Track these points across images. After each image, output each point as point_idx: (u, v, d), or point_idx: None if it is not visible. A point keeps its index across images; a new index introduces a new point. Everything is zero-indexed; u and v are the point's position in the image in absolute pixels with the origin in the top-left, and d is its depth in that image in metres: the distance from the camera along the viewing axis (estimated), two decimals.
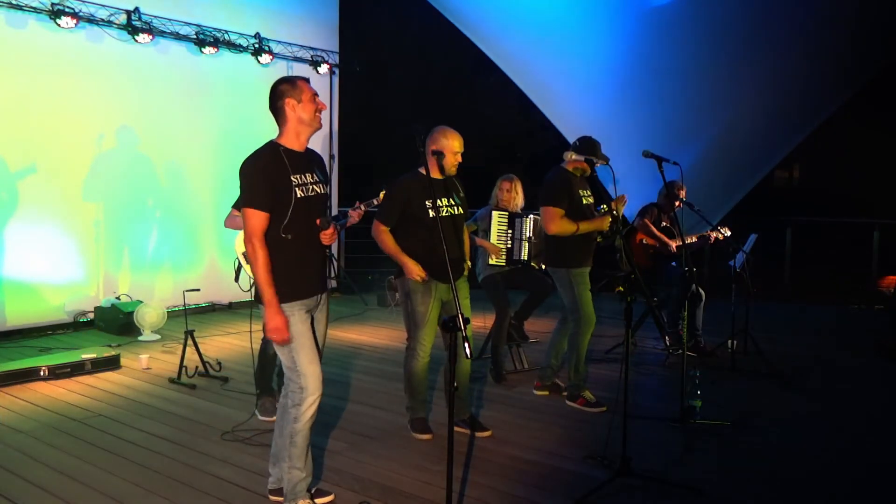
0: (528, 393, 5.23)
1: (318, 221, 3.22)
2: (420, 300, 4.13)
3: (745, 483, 3.72)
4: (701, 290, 6.27)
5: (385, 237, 4.13)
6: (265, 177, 3.09)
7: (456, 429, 4.09)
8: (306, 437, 3.21)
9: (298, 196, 3.12)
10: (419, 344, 4.17)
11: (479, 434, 4.30)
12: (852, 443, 4.37)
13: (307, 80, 3.24)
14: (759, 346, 6.31)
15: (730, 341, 6.08)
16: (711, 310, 6.55)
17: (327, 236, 3.25)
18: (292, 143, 3.19)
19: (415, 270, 4.07)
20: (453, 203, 4.17)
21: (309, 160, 3.26)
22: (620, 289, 3.68)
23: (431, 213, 4.00)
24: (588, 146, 4.74)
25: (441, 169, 4.08)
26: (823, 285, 10.77)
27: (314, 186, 3.21)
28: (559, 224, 4.69)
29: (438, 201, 4.08)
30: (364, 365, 6.05)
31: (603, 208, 4.81)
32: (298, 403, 3.15)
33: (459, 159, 4.12)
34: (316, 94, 3.22)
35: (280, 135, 3.22)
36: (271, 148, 3.18)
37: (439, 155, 4.04)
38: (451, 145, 4.07)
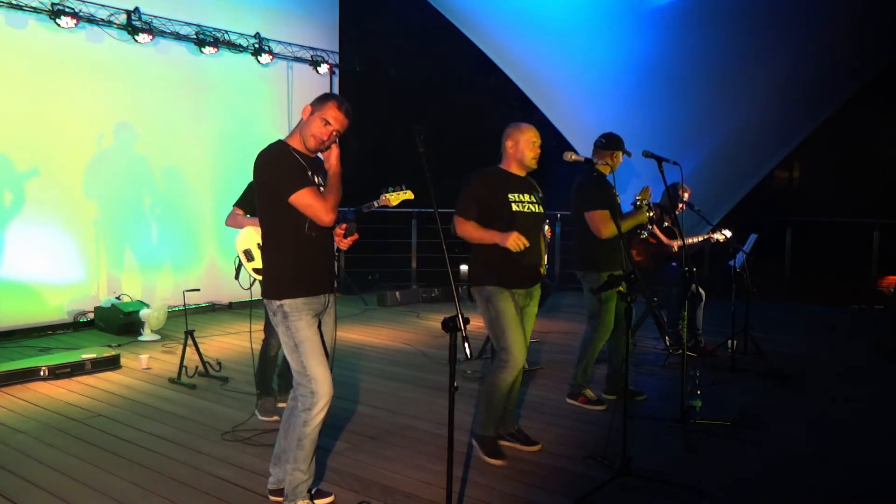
0: (527, 393, 5.23)
1: (343, 226, 3.24)
2: (503, 302, 3.84)
3: (745, 483, 3.72)
4: (701, 290, 6.27)
5: (466, 227, 3.83)
6: (292, 161, 3.09)
7: (504, 443, 4.02)
8: (314, 440, 3.20)
9: None
10: (510, 353, 3.80)
11: (528, 448, 4.07)
12: (852, 443, 4.36)
13: (341, 110, 3.13)
14: (759, 346, 6.31)
15: (730, 341, 6.08)
16: (711, 310, 6.55)
17: (347, 243, 3.28)
18: (299, 145, 3.19)
19: (512, 238, 3.69)
20: (534, 201, 3.95)
21: (317, 165, 3.26)
22: (621, 289, 3.67)
23: (515, 207, 3.84)
24: (614, 142, 4.78)
25: (521, 164, 3.91)
26: (823, 285, 10.77)
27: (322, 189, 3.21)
28: (609, 226, 4.57)
29: (520, 196, 3.87)
30: (364, 365, 6.05)
31: (637, 203, 4.83)
32: (309, 408, 3.14)
33: (538, 151, 3.92)
34: (330, 125, 3.11)
35: (290, 135, 3.22)
36: (282, 145, 3.19)
37: (516, 150, 3.88)
38: (528, 137, 3.88)
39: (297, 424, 3.17)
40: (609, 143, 4.79)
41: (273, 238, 3.17)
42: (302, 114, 3.18)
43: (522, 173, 3.96)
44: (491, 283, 3.86)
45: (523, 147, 3.87)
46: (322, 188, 3.17)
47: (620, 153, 4.78)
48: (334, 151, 3.21)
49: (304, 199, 3.04)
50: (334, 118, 3.13)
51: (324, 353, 3.21)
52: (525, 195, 3.90)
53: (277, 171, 3.09)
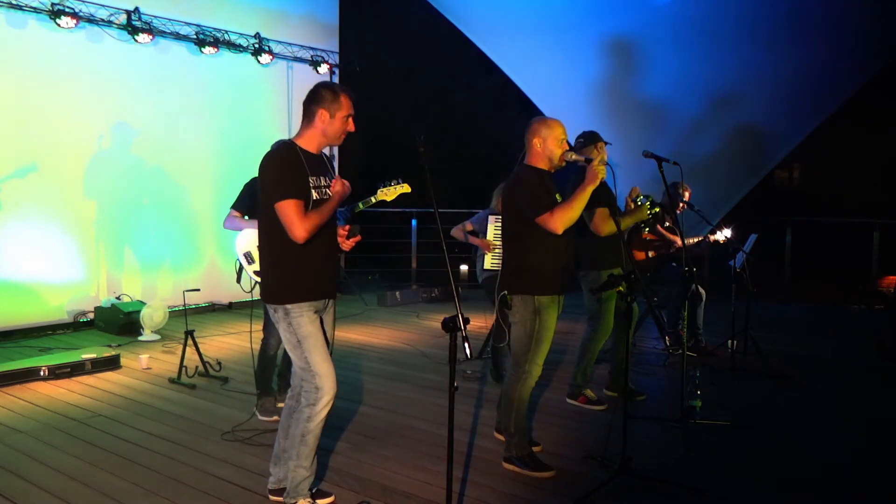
0: None
1: (347, 227, 3.24)
2: (550, 316, 3.73)
3: (745, 483, 3.72)
4: (701, 290, 6.27)
5: (557, 213, 3.57)
6: (292, 169, 3.09)
7: (502, 439, 3.97)
8: (317, 436, 3.21)
9: (315, 198, 3.12)
10: (535, 365, 3.74)
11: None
12: (852, 443, 4.36)
13: (351, 98, 3.18)
14: (759, 346, 6.31)
15: (730, 341, 6.08)
16: (711, 310, 6.55)
17: (350, 244, 3.28)
18: (309, 145, 3.19)
19: (597, 168, 3.58)
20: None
21: (322, 163, 3.26)
22: (621, 289, 3.67)
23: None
24: (591, 136, 4.78)
25: (550, 163, 3.75)
26: (823, 285, 10.78)
27: (328, 189, 3.20)
28: (609, 223, 4.50)
29: (558, 197, 3.74)
30: (364, 365, 6.05)
31: (638, 200, 4.81)
32: (313, 403, 3.14)
33: (567, 147, 3.76)
34: (351, 115, 3.18)
35: (299, 135, 3.21)
36: (289, 146, 3.17)
37: (544, 147, 3.72)
38: (557, 135, 3.72)
39: (301, 420, 3.17)
40: (588, 138, 4.78)
41: (274, 241, 3.15)
42: (318, 120, 3.14)
43: (551, 171, 3.80)
44: (544, 292, 3.68)
45: (552, 145, 3.70)
46: (320, 188, 3.16)
47: (602, 144, 4.75)
48: (343, 184, 3.19)
49: (285, 210, 3.03)
50: (350, 107, 3.17)
51: (327, 348, 3.21)
52: (558, 195, 3.78)
53: (275, 175, 3.09)
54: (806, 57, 8.64)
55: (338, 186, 3.18)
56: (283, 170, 3.08)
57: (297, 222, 3.03)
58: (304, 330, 3.13)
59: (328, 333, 3.33)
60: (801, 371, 5.92)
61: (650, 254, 6.35)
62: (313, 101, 3.16)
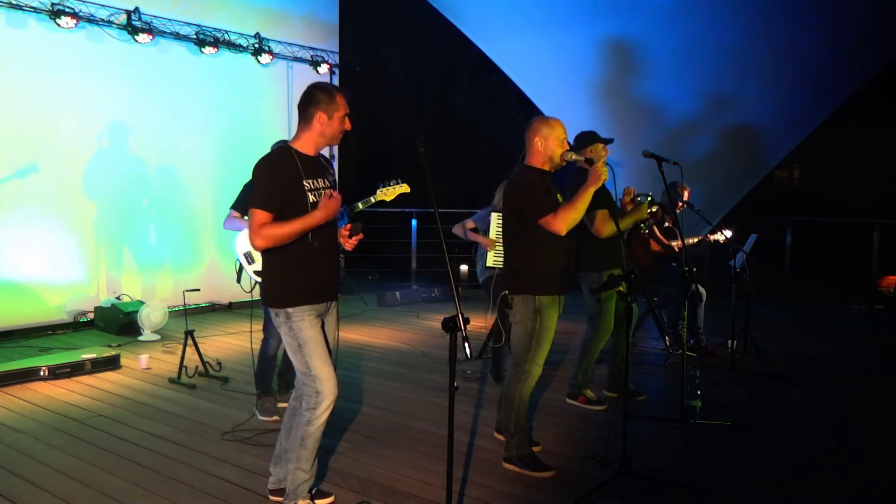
0: None
1: (349, 226, 3.26)
2: (551, 316, 3.73)
3: (745, 483, 3.72)
4: (701, 290, 6.27)
5: (561, 214, 3.57)
6: (278, 180, 3.09)
7: (502, 439, 3.99)
8: (317, 440, 3.21)
9: (311, 201, 3.12)
10: (535, 365, 3.74)
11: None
12: (852, 443, 4.37)
13: (346, 97, 3.19)
14: (759, 346, 6.32)
15: (730, 341, 6.08)
16: (712, 310, 6.55)
17: (352, 243, 3.28)
18: (306, 148, 3.19)
19: (600, 169, 3.59)
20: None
21: (320, 165, 3.25)
22: (621, 289, 3.67)
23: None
24: (587, 138, 4.71)
25: (551, 162, 3.73)
26: (823, 285, 10.78)
27: (325, 192, 3.20)
28: (610, 225, 4.47)
29: (559, 197, 3.73)
30: (364, 365, 6.05)
31: (637, 198, 4.79)
32: (314, 407, 3.14)
33: (567, 147, 3.74)
34: (348, 115, 3.19)
35: (296, 137, 3.21)
36: (285, 151, 3.17)
37: (546, 147, 3.70)
38: (558, 134, 3.70)
39: (301, 424, 3.17)
40: (581, 141, 4.69)
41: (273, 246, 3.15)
42: (316, 122, 3.14)
43: (552, 170, 3.82)
44: (545, 292, 3.68)
45: (553, 144, 3.68)
46: (318, 191, 3.15)
47: (599, 146, 4.64)
48: (330, 201, 3.12)
49: (254, 217, 3.05)
50: (346, 106, 3.18)
51: (328, 353, 3.21)
52: (559, 195, 3.80)
53: (257, 180, 3.12)
54: (805, 57, 8.64)
55: (323, 201, 3.10)
56: (264, 177, 3.10)
57: (256, 230, 3.05)
58: (306, 334, 3.13)
59: (331, 335, 3.32)
60: (801, 371, 5.92)
61: (653, 246, 6.31)
62: (309, 104, 3.15)
